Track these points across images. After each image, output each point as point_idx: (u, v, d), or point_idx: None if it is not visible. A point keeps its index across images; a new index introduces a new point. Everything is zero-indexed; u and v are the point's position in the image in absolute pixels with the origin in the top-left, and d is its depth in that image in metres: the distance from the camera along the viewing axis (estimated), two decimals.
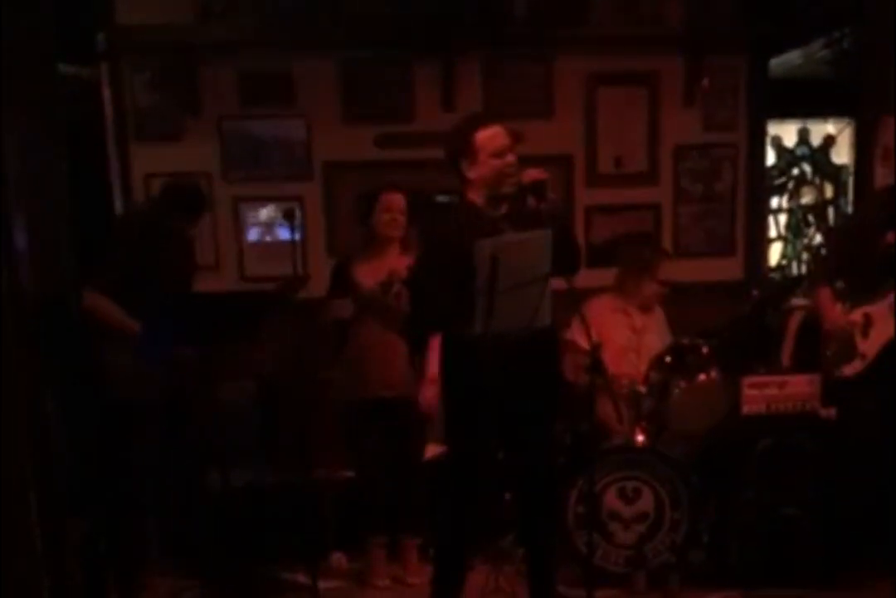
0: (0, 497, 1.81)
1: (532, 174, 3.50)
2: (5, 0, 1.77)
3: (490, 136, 3.55)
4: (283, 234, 4.60)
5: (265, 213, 5.60)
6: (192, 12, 5.33)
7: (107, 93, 5.46)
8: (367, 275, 4.31)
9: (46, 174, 3.00)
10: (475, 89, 5.63)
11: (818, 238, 6.95)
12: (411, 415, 4.36)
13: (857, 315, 4.26)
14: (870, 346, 4.22)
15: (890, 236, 4.16)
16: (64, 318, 3.36)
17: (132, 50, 5.36)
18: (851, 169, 6.15)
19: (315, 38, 5.38)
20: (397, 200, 4.32)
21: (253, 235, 5.61)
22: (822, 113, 6.59)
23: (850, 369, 4.27)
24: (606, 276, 4.89)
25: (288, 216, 4.36)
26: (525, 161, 3.63)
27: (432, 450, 4.52)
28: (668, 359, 4.38)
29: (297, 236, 4.37)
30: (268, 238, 5.59)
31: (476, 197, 3.64)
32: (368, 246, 4.41)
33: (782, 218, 7.12)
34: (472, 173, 3.60)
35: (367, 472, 4.47)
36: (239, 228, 5.60)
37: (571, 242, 3.78)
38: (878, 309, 4.19)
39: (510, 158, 3.56)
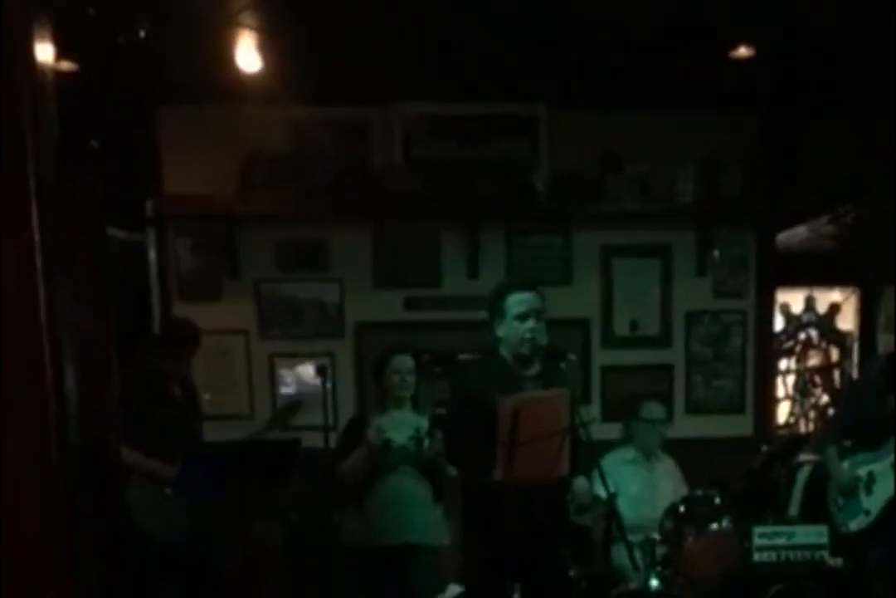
0: None
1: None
2: (61, 172, 2.03)
3: (518, 301, 3.84)
4: (315, 388, 4.84)
5: (298, 368, 5.75)
6: (234, 184, 5.60)
7: (152, 255, 5.72)
8: (391, 431, 4.44)
9: (94, 331, 3.24)
10: (499, 258, 5.87)
11: (825, 398, 7.08)
12: (431, 560, 4.45)
13: (861, 473, 4.45)
14: (874, 502, 4.38)
15: (891, 400, 4.38)
16: (104, 465, 3.56)
17: (177, 217, 5.64)
18: (856, 335, 6.35)
19: (350, 210, 5.64)
20: (406, 361, 4.52)
21: (286, 388, 5.77)
22: (828, 282, 6.80)
23: (856, 525, 4.41)
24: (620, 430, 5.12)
25: (320, 372, 4.62)
26: (546, 324, 3.90)
27: (452, 590, 4.60)
28: (681, 508, 4.50)
29: (328, 390, 4.62)
30: (300, 391, 5.68)
31: (506, 354, 3.91)
32: (382, 404, 4.57)
33: (790, 379, 7.26)
34: (500, 332, 3.89)
35: None
36: (273, 381, 5.77)
37: None
38: (881, 467, 4.38)
39: (531, 323, 3.82)
